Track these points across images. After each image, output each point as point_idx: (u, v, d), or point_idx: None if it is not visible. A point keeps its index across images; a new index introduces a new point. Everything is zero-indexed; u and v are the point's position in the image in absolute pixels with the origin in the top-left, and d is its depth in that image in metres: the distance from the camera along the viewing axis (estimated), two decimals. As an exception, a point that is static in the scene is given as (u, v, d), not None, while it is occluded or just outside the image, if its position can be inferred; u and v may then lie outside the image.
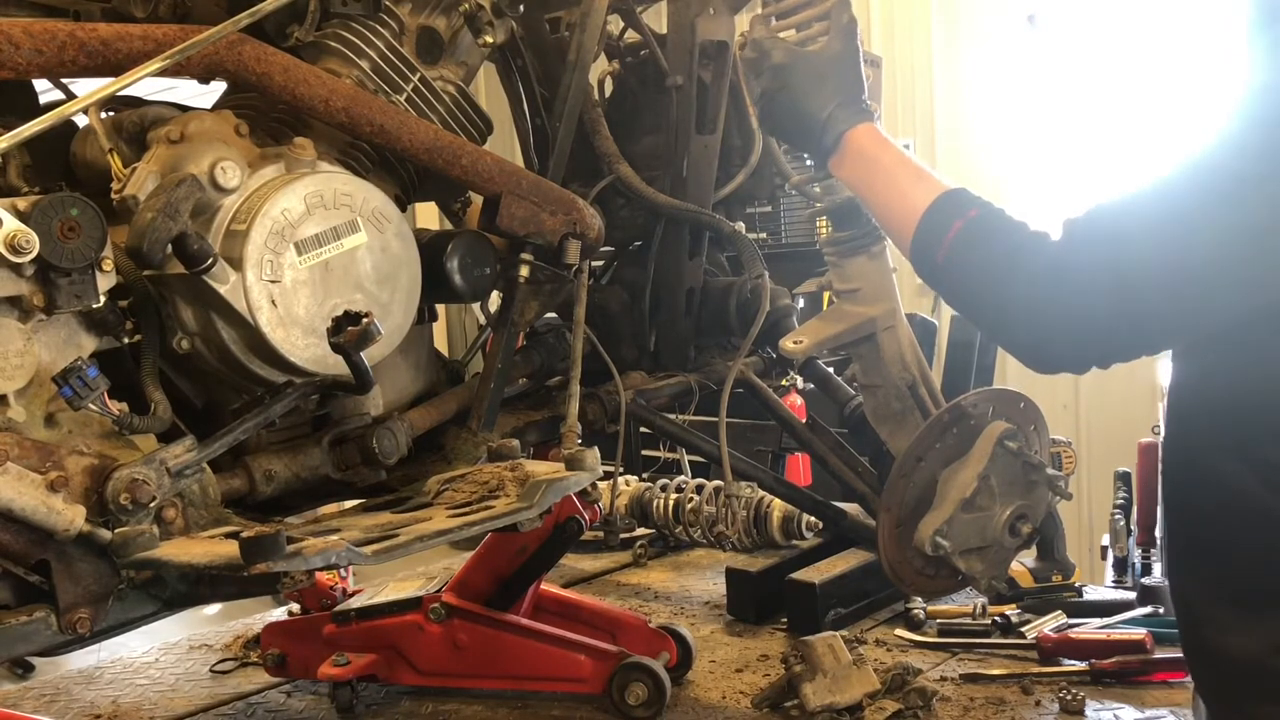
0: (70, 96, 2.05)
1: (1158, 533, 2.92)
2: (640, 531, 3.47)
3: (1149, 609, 2.55)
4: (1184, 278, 1.21)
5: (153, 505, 1.62)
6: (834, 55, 1.76)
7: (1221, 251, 1.18)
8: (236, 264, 1.73)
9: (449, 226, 2.47)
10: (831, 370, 2.77)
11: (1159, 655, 2.29)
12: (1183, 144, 1.26)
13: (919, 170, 1.56)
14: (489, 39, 2.12)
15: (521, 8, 2.19)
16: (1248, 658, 1.29)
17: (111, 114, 1.92)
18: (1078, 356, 1.32)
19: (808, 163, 2.84)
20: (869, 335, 1.94)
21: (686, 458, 3.83)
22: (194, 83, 1.86)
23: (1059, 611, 2.56)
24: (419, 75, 2.02)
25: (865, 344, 1.97)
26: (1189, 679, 2.22)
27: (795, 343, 1.89)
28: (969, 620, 2.60)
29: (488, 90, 3.66)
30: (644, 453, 5.22)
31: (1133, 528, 2.96)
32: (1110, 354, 1.30)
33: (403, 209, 2.07)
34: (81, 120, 1.81)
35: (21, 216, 1.52)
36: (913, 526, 1.85)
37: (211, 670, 2.74)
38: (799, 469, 4.52)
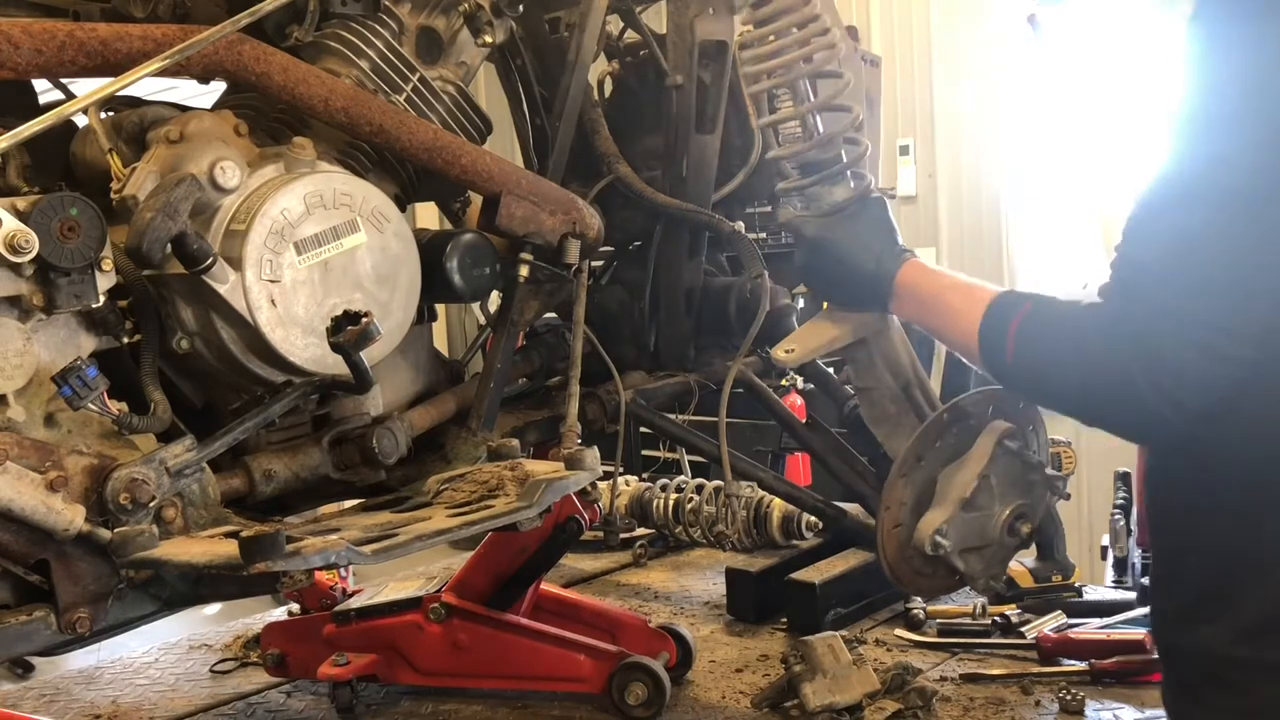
0: (70, 96, 2.05)
1: (1158, 533, 2.92)
2: (640, 531, 3.47)
3: (1149, 609, 2.54)
4: (1231, 279, 1.20)
5: (152, 505, 1.62)
6: (863, 217, 1.82)
7: (1257, 243, 1.19)
8: (236, 264, 1.73)
9: (449, 226, 2.46)
10: (831, 370, 2.77)
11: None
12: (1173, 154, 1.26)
13: (967, 286, 1.60)
14: (488, 39, 2.12)
15: (521, 8, 2.19)
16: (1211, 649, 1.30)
17: (111, 114, 1.92)
18: (1176, 408, 1.25)
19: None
20: (861, 340, 1.94)
21: (686, 458, 3.83)
22: (194, 83, 1.86)
23: (1059, 611, 2.56)
24: (418, 75, 2.02)
25: (858, 348, 1.97)
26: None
27: (786, 351, 1.89)
28: (969, 620, 2.60)
29: (488, 90, 3.66)
30: (644, 453, 5.22)
31: (1133, 528, 2.95)
32: (1202, 388, 1.24)
33: (402, 209, 2.07)
34: (81, 120, 1.81)
35: (21, 216, 1.52)
36: (912, 526, 1.84)
37: (211, 670, 2.74)
38: (799, 469, 4.52)
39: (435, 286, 2.04)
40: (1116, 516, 2.95)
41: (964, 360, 1.64)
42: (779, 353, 1.89)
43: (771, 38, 1.92)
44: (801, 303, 2.70)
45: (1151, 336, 1.24)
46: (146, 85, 1.72)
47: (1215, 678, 1.32)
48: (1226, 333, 1.21)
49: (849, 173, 1.88)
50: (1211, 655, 1.31)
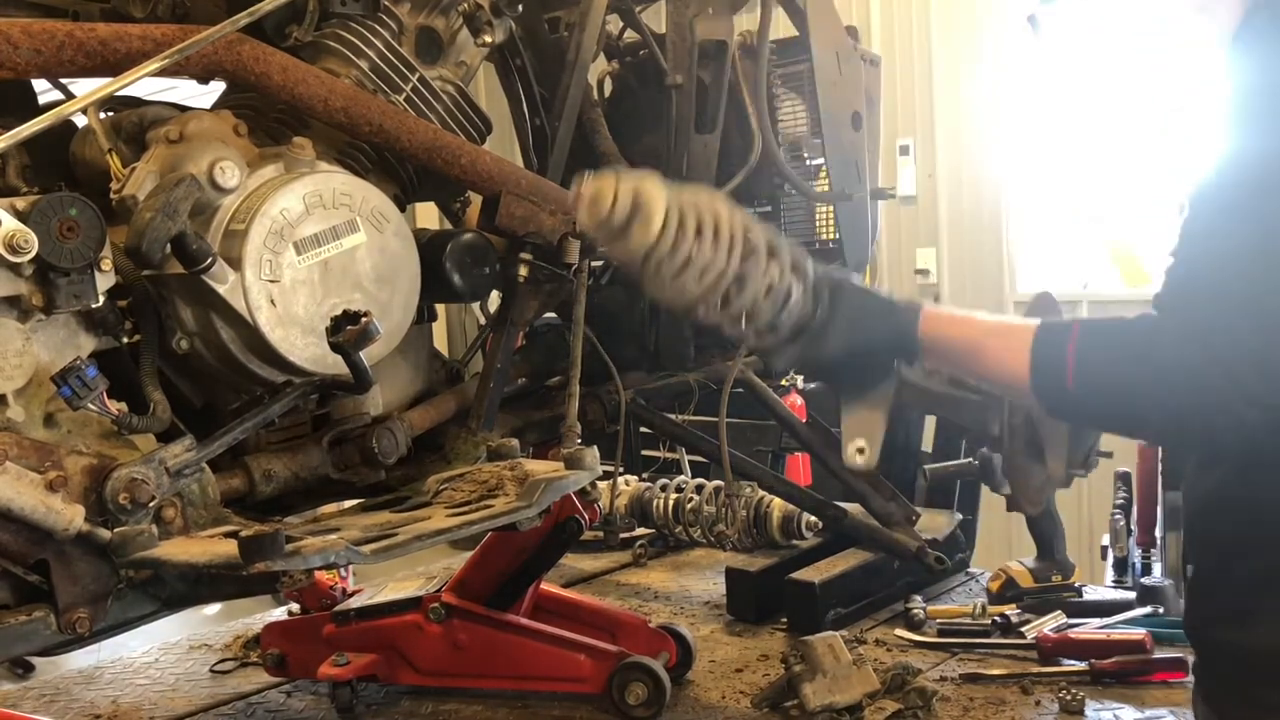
0: (69, 96, 2.05)
1: (1157, 533, 2.92)
2: (640, 531, 3.47)
3: (1149, 609, 2.55)
4: None
5: (152, 505, 1.62)
6: (841, 308, 1.54)
7: None
8: (235, 263, 1.73)
9: (449, 226, 2.46)
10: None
11: (1159, 655, 2.29)
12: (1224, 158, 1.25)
13: (997, 322, 1.53)
14: (488, 39, 2.12)
15: (520, 7, 2.19)
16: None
17: (110, 114, 1.92)
18: (1264, 409, 1.21)
19: (808, 162, 2.85)
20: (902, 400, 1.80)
21: (686, 458, 3.83)
22: (193, 83, 1.86)
23: (1059, 611, 2.56)
24: (418, 75, 2.02)
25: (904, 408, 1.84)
26: (1189, 679, 2.23)
27: (859, 451, 1.66)
28: (969, 620, 2.60)
29: (488, 90, 3.66)
30: (644, 453, 5.21)
31: (1133, 528, 2.96)
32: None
33: (402, 209, 2.07)
34: (81, 120, 1.81)
35: (20, 216, 1.52)
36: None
37: (211, 670, 2.74)
38: (799, 469, 4.51)
39: (435, 286, 2.04)
40: (1116, 516, 2.95)
41: (1009, 393, 1.56)
42: (854, 459, 1.72)
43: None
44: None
45: (1224, 336, 1.21)
46: (146, 85, 1.72)
47: (1273, 675, 1.31)
48: None
49: (789, 288, 1.51)
50: (1271, 653, 1.30)
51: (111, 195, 1.75)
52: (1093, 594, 2.70)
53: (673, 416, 2.57)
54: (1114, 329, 1.38)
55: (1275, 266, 1.19)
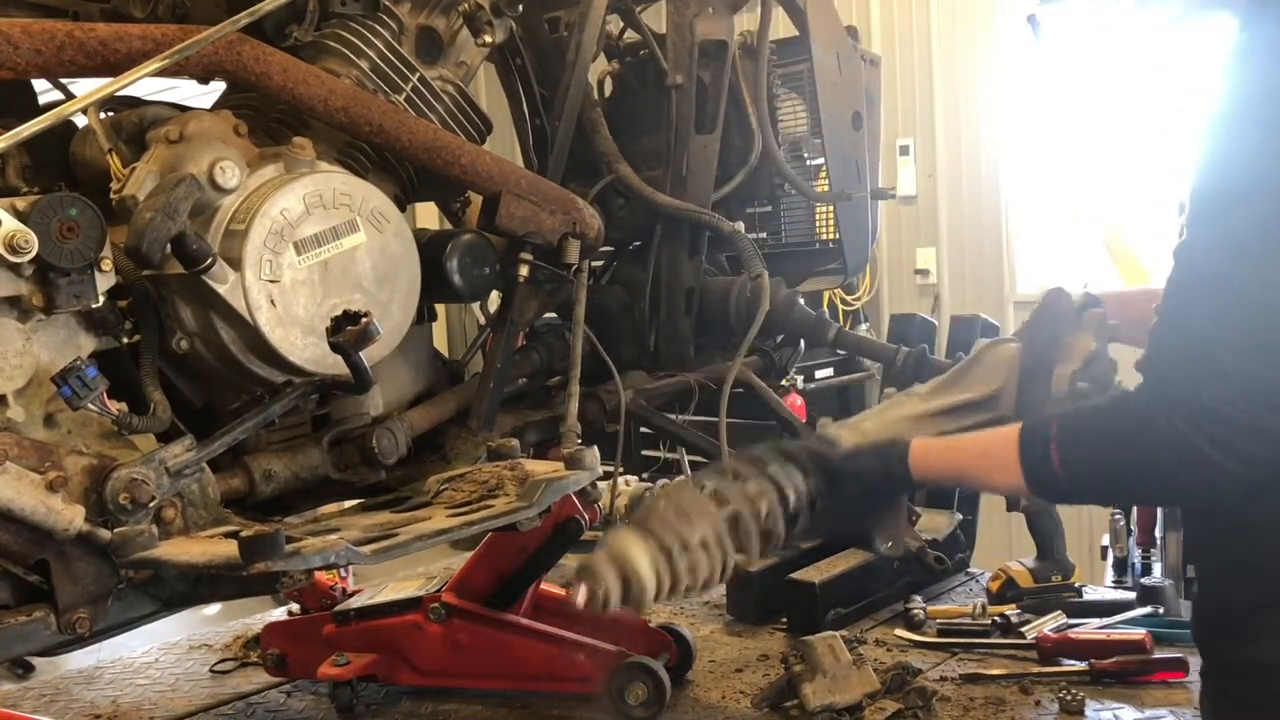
0: (69, 96, 2.05)
1: (1157, 533, 2.92)
2: (640, 531, 3.46)
3: (1149, 609, 2.55)
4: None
5: (152, 505, 1.62)
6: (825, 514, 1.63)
7: None
8: (235, 264, 1.73)
9: (449, 226, 2.47)
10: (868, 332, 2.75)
11: (1159, 655, 2.29)
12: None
13: (979, 443, 1.57)
14: (488, 39, 2.12)
15: (520, 7, 2.19)
16: None
17: (110, 114, 1.92)
18: (1242, 461, 1.22)
19: (808, 162, 2.85)
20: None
21: (686, 458, 3.83)
22: (194, 83, 1.86)
23: (1059, 611, 2.56)
24: (418, 75, 2.02)
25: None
26: (1189, 679, 2.23)
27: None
28: (969, 620, 2.60)
29: (488, 90, 3.66)
30: (644, 453, 5.22)
31: (1133, 528, 2.96)
32: (1260, 437, 1.20)
33: (402, 209, 2.07)
34: (81, 120, 1.80)
35: (20, 216, 1.52)
36: None
37: (211, 670, 2.74)
38: (799, 469, 4.51)
39: (435, 286, 2.04)
40: (1116, 517, 2.95)
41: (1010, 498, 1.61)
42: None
43: None
44: (801, 302, 2.70)
45: (1205, 406, 1.22)
46: (146, 85, 1.72)
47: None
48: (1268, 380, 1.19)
49: (782, 500, 1.58)
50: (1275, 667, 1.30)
51: (111, 195, 1.75)
52: (1093, 594, 2.70)
53: (673, 416, 2.57)
54: (1091, 419, 1.43)
55: (1260, 329, 1.19)
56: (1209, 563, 1.44)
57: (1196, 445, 1.22)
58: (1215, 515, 1.39)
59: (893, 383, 2.63)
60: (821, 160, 2.75)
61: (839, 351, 2.70)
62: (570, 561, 3.33)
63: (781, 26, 2.68)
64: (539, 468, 1.83)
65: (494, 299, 2.28)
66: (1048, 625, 2.49)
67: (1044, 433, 1.43)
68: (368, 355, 1.78)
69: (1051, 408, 1.67)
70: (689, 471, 3.62)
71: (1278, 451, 1.22)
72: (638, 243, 2.59)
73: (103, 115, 1.86)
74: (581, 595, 1.39)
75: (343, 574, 2.83)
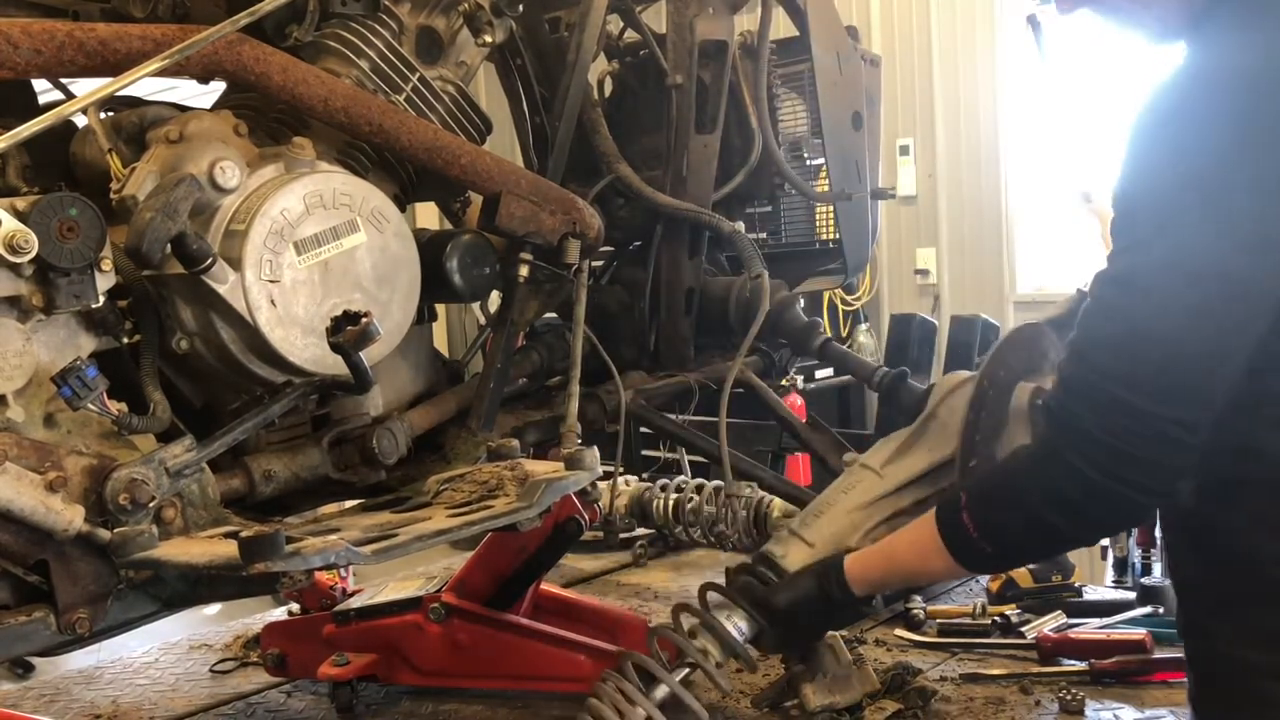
0: (70, 96, 2.05)
1: (1157, 533, 2.92)
2: (640, 531, 3.47)
3: (1149, 609, 2.54)
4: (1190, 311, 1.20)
5: (152, 505, 1.62)
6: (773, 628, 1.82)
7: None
8: (235, 264, 1.73)
9: (449, 226, 2.47)
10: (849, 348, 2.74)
11: (1159, 655, 2.29)
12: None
13: (904, 538, 1.64)
14: (488, 39, 2.12)
15: (521, 7, 2.19)
16: None
17: (110, 114, 1.92)
18: (1159, 481, 1.25)
19: (808, 162, 2.85)
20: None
21: (686, 458, 3.83)
22: (194, 83, 1.86)
23: (1059, 611, 2.56)
24: (418, 75, 2.02)
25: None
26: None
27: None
28: (969, 620, 2.60)
29: (488, 90, 3.66)
30: (644, 453, 5.21)
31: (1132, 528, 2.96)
32: (1179, 448, 1.23)
33: (402, 209, 2.07)
34: (81, 120, 1.81)
35: (20, 216, 1.52)
36: None
37: (211, 670, 2.74)
38: (799, 469, 4.51)
39: (435, 286, 2.04)
40: (1116, 516, 2.94)
41: (953, 580, 1.67)
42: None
43: None
44: (801, 303, 2.70)
45: (1085, 432, 1.25)
46: (146, 85, 1.72)
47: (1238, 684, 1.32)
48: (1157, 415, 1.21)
49: (725, 642, 1.82)
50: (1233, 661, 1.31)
51: (111, 195, 1.75)
52: (1093, 594, 2.70)
53: (673, 416, 2.57)
54: (993, 475, 1.50)
55: (1157, 368, 1.21)
56: (1176, 562, 1.45)
57: (1090, 477, 1.25)
58: (1170, 520, 1.40)
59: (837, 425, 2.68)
60: (821, 160, 2.75)
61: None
62: (570, 562, 3.34)
63: (781, 26, 2.68)
64: (539, 468, 1.83)
65: (494, 299, 2.28)
66: (1048, 625, 2.49)
67: (955, 504, 1.46)
68: (368, 355, 1.78)
69: (1004, 450, 1.69)
70: (689, 472, 3.62)
71: (1163, 482, 1.25)
72: (638, 243, 2.60)
73: (103, 115, 1.85)
74: None
75: (343, 574, 2.83)
